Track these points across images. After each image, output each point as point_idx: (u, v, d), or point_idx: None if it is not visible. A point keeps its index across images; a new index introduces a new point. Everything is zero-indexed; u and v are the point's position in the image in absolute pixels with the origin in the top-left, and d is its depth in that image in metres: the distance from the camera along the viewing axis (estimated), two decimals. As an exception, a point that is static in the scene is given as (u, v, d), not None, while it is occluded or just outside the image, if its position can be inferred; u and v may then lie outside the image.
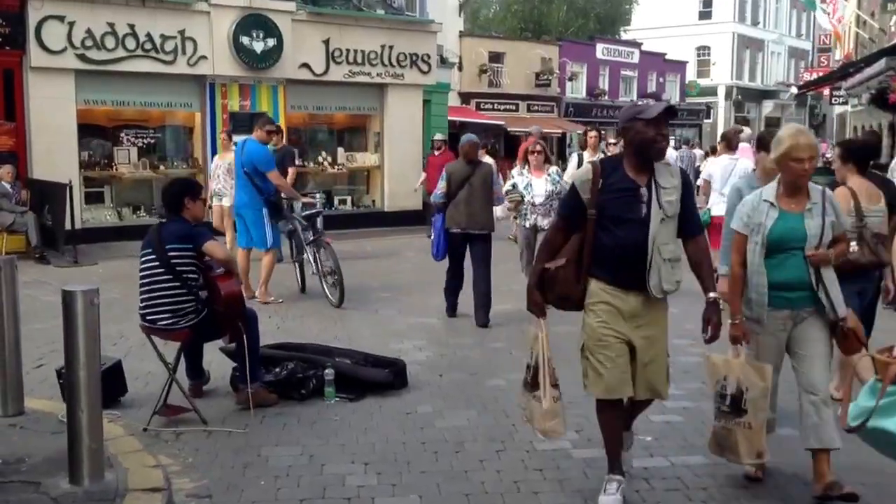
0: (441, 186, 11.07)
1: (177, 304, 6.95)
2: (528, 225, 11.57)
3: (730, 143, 12.13)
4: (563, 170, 14.01)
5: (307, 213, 12.81)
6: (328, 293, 12.11)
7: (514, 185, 11.65)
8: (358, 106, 23.12)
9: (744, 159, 11.82)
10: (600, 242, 5.31)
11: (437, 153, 19.95)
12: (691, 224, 5.50)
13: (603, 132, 16.93)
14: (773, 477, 5.92)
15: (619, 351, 5.35)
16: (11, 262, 6.66)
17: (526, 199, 11.46)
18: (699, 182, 12.71)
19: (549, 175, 11.62)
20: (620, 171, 5.35)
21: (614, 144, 12.00)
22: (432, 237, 11.68)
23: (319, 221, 12.92)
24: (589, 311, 5.47)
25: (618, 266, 5.31)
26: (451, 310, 11.36)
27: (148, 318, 7.03)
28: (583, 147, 14.50)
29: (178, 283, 6.94)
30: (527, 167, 11.74)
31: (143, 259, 7.09)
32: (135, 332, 9.26)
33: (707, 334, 5.39)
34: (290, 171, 15.17)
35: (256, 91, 20.70)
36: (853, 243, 6.50)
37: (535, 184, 11.53)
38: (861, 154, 7.61)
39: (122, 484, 5.35)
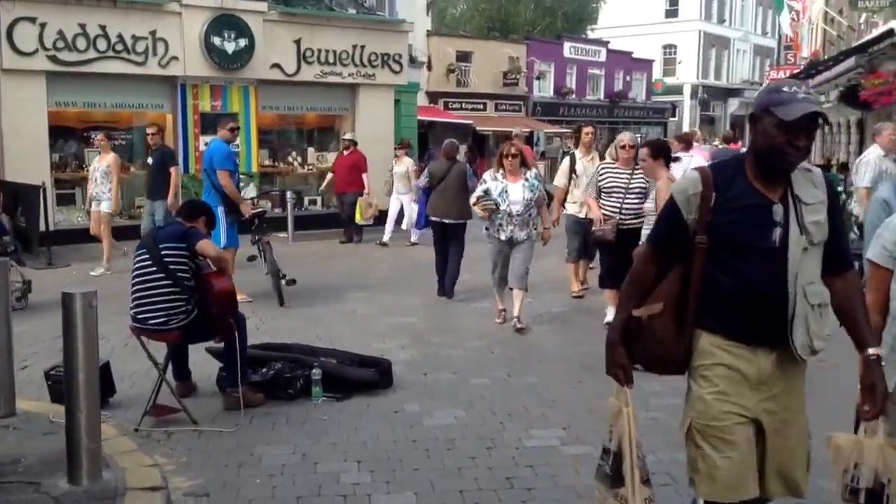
0: (423, 181, 13.54)
1: (168, 304, 7.00)
2: (503, 237, 10.60)
3: (689, 142, 13.19)
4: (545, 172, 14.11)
5: (254, 211, 12.81)
6: (276, 292, 12.21)
7: (486, 192, 10.62)
8: (329, 106, 23.12)
9: (698, 156, 13.43)
10: (715, 281, 3.82)
11: (346, 153, 19.88)
12: (839, 253, 3.95)
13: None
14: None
15: (742, 435, 3.85)
16: (4, 265, 6.67)
17: (501, 209, 10.48)
18: None
19: (526, 180, 10.59)
20: (742, 180, 3.84)
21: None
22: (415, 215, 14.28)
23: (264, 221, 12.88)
24: (699, 378, 3.97)
25: (742, 314, 3.81)
26: (441, 289, 12.76)
27: (139, 317, 7.07)
28: (575, 144, 14.08)
29: (170, 282, 7.00)
30: (501, 171, 10.67)
31: (137, 259, 7.18)
32: (116, 333, 9.35)
33: (871, 408, 3.82)
34: (172, 171, 15.27)
35: (228, 92, 20.66)
36: None
37: (511, 190, 10.51)
38: (666, 150, 9.66)
39: (120, 483, 5.40)
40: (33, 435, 6.33)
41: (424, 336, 10.30)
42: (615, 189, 10.35)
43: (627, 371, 4.07)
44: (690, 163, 13.02)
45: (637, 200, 10.16)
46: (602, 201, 10.47)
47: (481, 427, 7.07)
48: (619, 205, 10.28)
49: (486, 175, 10.87)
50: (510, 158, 10.57)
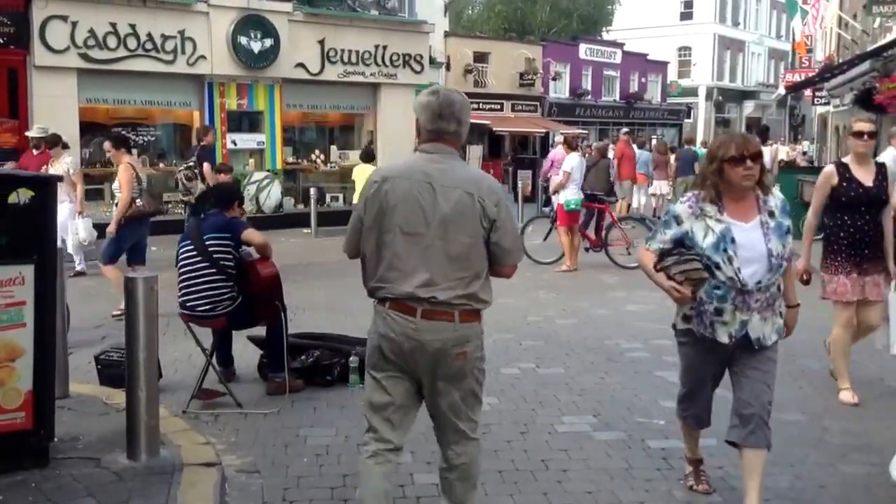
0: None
1: (215, 292, 7.30)
2: (723, 338, 4.98)
3: (570, 144, 15.93)
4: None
5: None
6: None
7: (681, 240, 4.98)
8: (352, 105, 23.55)
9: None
10: None
11: (35, 152, 14.81)
12: None
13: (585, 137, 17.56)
14: (786, 455, 6.30)
15: None
16: (60, 252, 6.95)
17: (725, 275, 4.85)
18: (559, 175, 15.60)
19: (770, 215, 4.96)
20: None
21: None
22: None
23: None
24: None
25: None
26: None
27: (188, 304, 7.38)
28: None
29: (215, 271, 7.31)
30: (717, 198, 4.94)
31: (183, 250, 7.46)
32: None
33: None
34: None
35: (254, 90, 21.07)
36: None
37: (741, 237, 4.87)
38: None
39: (177, 459, 5.69)
40: (89, 415, 6.62)
41: (452, 329, 10.53)
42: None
43: None
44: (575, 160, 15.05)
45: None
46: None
47: (514, 413, 7.33)
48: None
49: (679, 208, 5.06)
50: (745, 171, 4.84)
